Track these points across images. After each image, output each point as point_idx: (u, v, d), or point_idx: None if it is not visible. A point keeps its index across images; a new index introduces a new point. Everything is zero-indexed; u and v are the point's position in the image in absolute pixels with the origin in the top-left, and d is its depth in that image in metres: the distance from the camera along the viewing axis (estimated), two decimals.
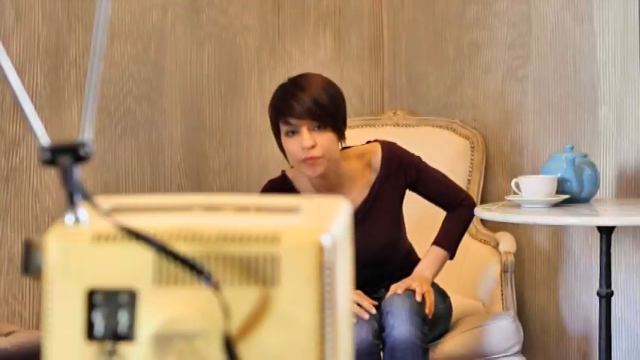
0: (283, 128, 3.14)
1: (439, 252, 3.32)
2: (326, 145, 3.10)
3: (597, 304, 3.68)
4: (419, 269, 3.28)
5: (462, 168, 4.19)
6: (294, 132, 3.11)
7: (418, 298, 3.15)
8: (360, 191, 3.28)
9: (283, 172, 3.33)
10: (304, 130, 3.08)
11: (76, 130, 3.81)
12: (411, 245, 3.47)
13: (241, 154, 4.16)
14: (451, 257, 3.37)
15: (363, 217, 3.23)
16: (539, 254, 4.22)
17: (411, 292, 3.19)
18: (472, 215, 3.40)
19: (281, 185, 3.26)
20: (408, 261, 3.37)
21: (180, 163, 4.02)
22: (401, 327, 3.10)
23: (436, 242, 3.33)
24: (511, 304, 3.90)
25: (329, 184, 3.21)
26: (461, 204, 3.37)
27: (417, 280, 3.22)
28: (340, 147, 3.20)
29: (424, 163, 3.36)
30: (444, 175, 3.40)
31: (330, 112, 3.10)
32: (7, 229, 3.60)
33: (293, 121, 3.10)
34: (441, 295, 3.40)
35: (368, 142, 3.40)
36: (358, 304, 3.13)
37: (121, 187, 3.84)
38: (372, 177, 3.29)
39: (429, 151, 4.26)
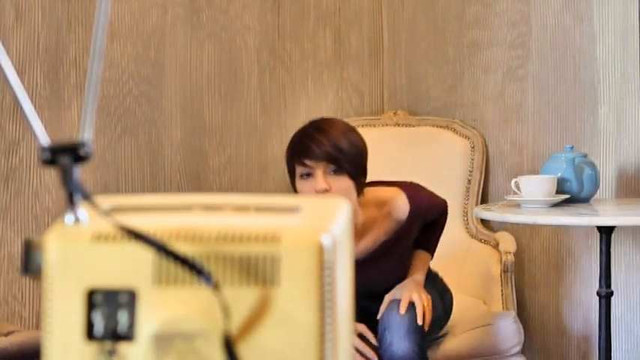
0: (298, 170, 3.01)
1: (425, 256, 3.31)
2: (341, 190, 2.96)
3: (597, 304, 3.68)
4: (411, 275, 3.26)
5: (462, 168, 4.18)
6: (309, 174, 2.98)
7: (419, 312, 3.12)
8: (375, 237, 3.18)
9: None
10: (319, 174, 2.96)
11: (75, 130, 3.81)
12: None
13: (241, 154, 4.16)
14: (431, 257, 3.39)
15: (375, 259, 3.18)
16: (539, 254, 4.22)
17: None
18: (447, 216, 3.39)
19: None
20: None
21: (180, 163, 4.01)
22: (399, 343, 3.09)
23: (422, 246, 3.31)
24: (511, 304, 3.90)
25: None
26: (442, 214, 3.36)
27: (414, 290, 3.18)
28: (357, 196, 3.05)
29: (425, 191, 3.29)
30: (432, 196, 3.32)
31: (348, 158, 2.98)
32: (7, 228, 3.60)
33: (309, 162, 2.97)
34: (440, 293, 3.38)
35: (384, 182, 3.29)
36: (358, 351, 3.10)
37: (120, 187, 3.84)
38: (391, 225, 3.18)
39: (429, 151, 4.26)
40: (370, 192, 3.14)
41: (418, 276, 3.25)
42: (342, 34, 4.44)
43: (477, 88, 4.30)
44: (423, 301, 3.15)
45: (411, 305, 3.14)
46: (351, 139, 3.03)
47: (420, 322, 3.10)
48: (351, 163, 2.99)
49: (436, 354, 3.50)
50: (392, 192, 3.18)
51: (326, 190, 2.94)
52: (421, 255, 3.31)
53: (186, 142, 4.03)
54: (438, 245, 3.40)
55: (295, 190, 3.06)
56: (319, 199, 1.21)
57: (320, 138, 2.98)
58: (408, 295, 3.16)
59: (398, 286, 3.20)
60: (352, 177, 2.99)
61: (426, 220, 3.27)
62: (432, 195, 3.29)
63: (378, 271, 3.19)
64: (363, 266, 3.10)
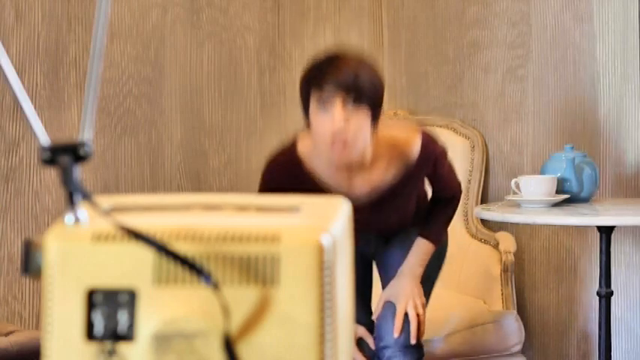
0: (314, 98, 2.76)
1: (427, 246, 3.08)
2: (358, 126, 2.74)
3: (597, 303, 3.68)
4: (409, 267, 3.07)
5: (462, 168, 4.18)
6: (325, 104, 2.73)
7: (413, 329, 3.00)
8: (382, 176, 2.95)
9: (293, 145, 2.94)
10: (338, 103, 2.72)
11: (75, 130, 3.81)
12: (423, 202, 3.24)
13: (241, 154, 4.16)
14: (436, 246, 3.16)
15: (380, 201, 2.99)
16: (539, 254, 4.22)
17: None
18: (457, 206, 3.19)
19: (290, 166, 2.91)
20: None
21: (180, 163, 4.01)
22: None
23: (424, 235, 3.09)
24: (511, 303, 3.90)
25: (350, 168, 2.90)
26: (452, 198, 3.15)
27: (409, 295, 3.04)
28: (372, 131, 2.83)
29: (447, 160, 3.10)
30: (452, 170, 3.14)
31: (368, 86, 2.76)
32: (7, 228, 3.60)
33: (328, 88, 2.72)
34: (438, 256, 3.22)
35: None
36: None
37: (120, 187, 3.84)
38: (400, 166, 2.96)
39: None
40: (386, 129, 2.94)
41: (417, 269, 3.07)
42: (342, 34, 4.44)
43: (477, 88, 4.30)
44: (417, 310, 3.02)
45: (406, 318, 3.01)
46: (371, 69, 2.82)
47: (413, 340, 2.98)
48: (372, 92, 2.77)
49: (437, 351, 3.50)
50: (408, 133, 2.98)
51: (343, 128, 2.72)
52: (423, 245, 3.09)
53: (186, 142, 4.03)
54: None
55: (308, 126, 2.81)
56: (319, 199, 1.21)
57: (339, 64, 2.77)
58: (403, 305, 3.02)
59: (393, 283, 3.06)
60: (371, 108, 2.77)
61: (430, 171, 3.03)
62: (451, 169, 3.12)
63: (378, 218, 3.02)
64: (363, 211, 2.90)
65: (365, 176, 2.93)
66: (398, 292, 3.04)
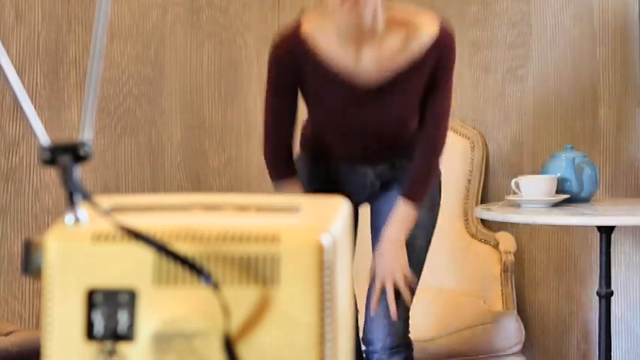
0: None
1: (408, 207, 2.86)
2: None
3: (597, 303, 3.68)
4: (392, 232, 2.86)
5: (462, 168, 4.18)
6: None
7: (391, 306, 2.82)
8: (392, 56, 2.80)
9: (297, 25, 2.82)
10: None
11: (75, 130, 3.81)
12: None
13: (241, 154, 4.16)
14: (418, 205, 2.91)
15: (383, 91, 2.83)
16: (539, 254, 4.22)
17: (397, 305, 2.86)
18: (442, 154, 2.93)
19: (294, 46, 2.79)
20: (410, 140, 2.97)
21: (180, 163, 4.01)
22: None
23: (404, 195, 2.87)
24: (511, 303, 3.90)
25: (359, 37, 2.74)
26: (437, 139, 2.90)
27: (395, 269, 2.84)
28: None
29: (453, 72, 2.90)
30: (451, 93, 2.91)
31: None
32: (7, 228, 3.60)
33: None
34: (430, 207, 3.02)
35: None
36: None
37: (120, 187, 3.84)
38: (413, 49, 2.79)
39: None
40: (403, 8, 2.83)
41: (400, 233, 2.86)
42: None
43: (477, 87, 4.30)
44: (397, 285, 2.83)
45: (398, 297, 2.83)
46: None
47: (393, 317, 2.83)
48: None
49: (437, 350, 3.50)
50: (427, 16, 2.84)
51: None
52: (405, 207, 2.86)
53: (186, 142, 4.03)
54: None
55: None
56: (319, 199, 1.21)
57: None
58: (380, 281, 2.84)
59: (375, 255, 2.88)
60: None
61: (430, 96, 2.85)
62: (451, 93, 2.90)
63: (377, 113, 2.86)
64: (364, 100, 2.82)
65: (374, 52, 2.79)
66: (377, 266, 2.87)
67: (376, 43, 2.77)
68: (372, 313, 2.86)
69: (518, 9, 4.22)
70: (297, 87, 2.86)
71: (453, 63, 2.86)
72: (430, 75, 2.82)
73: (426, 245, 2.98)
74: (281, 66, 2.82)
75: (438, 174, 2.99)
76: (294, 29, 2.80)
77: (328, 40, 2.78)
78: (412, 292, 2.88)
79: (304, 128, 3.04)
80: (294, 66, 2.80)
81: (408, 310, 2.90)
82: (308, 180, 2.96)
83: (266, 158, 2.95)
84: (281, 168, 2.92)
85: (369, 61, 2.79)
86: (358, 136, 2.91)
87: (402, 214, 2.88)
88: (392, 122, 2.89)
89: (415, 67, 2.80)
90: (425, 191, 2.92)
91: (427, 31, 2.79)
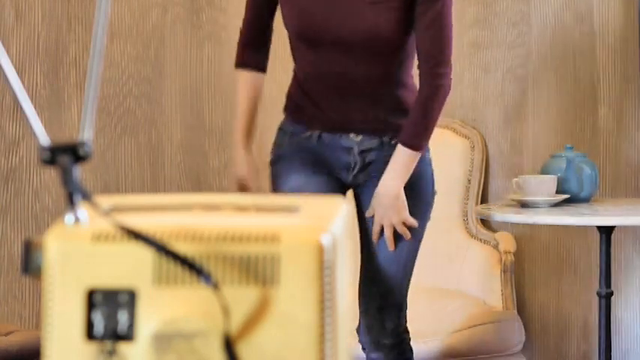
0: None
1: (408, 154, 2.66)
2: None
3: (597, 304, 3.68)
4: (388, 182, 2.68)
5: (462, 168, 4.18)
6: None
7: (407, 236, 2.69)
8: None
9: None
10: None
11: (75, 130, 3.80)
12: (408, 82, 2.79)
13: None
14: (418, 152, 2.71)
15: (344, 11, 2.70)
16: (539, 254, 4.21)
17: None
18: (444, 101, 2.70)
19: None
20: (396, 101, 2.74)
21: (180, 163, 4.01)
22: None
23: (404, 142, 2.66)
24: (511, 304, 3.90)
25: None
26: (437, 79, 2.67)
27: (383, 206, 2.68)
28: None
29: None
30: (450, 29, 2.69)
31: None
32: (7, 228, 3.60)
33: None
34: (420, 187, 2.82)
35: None
36: None
37: (120, 187, 3.84)
38: None
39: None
40: None
41: (397, 181, 2.69)
42: None
43: (477, 87, 4.30)
44: (394, 226, 2.68)
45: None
46: None
47: (391, 248, 2.70)
48: None
49: (437, 352, 3.50)
50: None
51: None
52: (403, 154, 2.68)
53: (187, 142, 4.02)
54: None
55: None
56: (319, 199, 1.21)
57: None
58: (377, 222, 2.69)
59: (376, 203, 2.71)
60: None
61: (421, 29, 2.65)
62: (450, 22, 2.69)
63: (342, 23, 2.68)
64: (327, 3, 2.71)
65: None
66: (375, 214, 2.70)
67: None
68: (390, 247, 2.70)
69: (518, 9, 4.22)
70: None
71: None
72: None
73: (414, 252, 2.80)
74: None
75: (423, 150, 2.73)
76: None
77: None
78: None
79: (290, 87, 2.91)
80: None
81: (403, 304, 2.81)
82: (291, 151, 2.81)
83: (238, 44, 2.93)
84: (249, 53, 2.89)
85: None
86: (337, 64, 2.70)
87: (400, 160, 2.67)
88: (360, 39, 2.65)
89: None
90: (426, 136, 2.69)
91: None
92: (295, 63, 2.88)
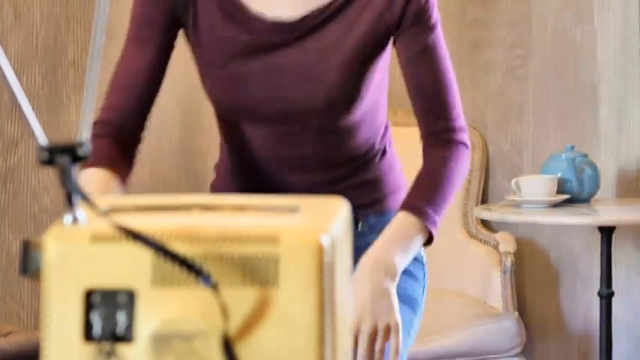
0: None
1: (407, 221, 1.78)
2: None
3: (598, 304, 3.68)
4: (376, 247, 1.77)
5: None
6: None
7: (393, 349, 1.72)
8: None
9: None
10: None
11: (74, 130, 3.80)
12: (383, 134, 2.02)
13: None
14: (428, 240, 1.82)
15: (301, 36, 1.86)
16: (540, 254, 4.21)
17: None
18: (462, 162, 1.95)
19: None
20: (361, 161, 1.93)
21: (179, 164, 4.01)
22: None
23: (409, 207, 1.82)
24: (511, 304, 3.90)
25: None
26: (452, 136, 1.97)
27: (365, 310, 1.69)
28: None
29: (439, 31, 1.98)
30: (451, 73, 2.01)
31: None
32: (6, 229, 3.59)
33: None
34: (412, 299, 2.01)
35: None
36: None
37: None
38: None
39: None
40: None
41: (384, 262, 1.74)
42: None
43: (477, 87, 4.30)
44: (376, 345, 1.70)
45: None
46: None
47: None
48: None
49: (437, 353, 3.49)
50: None
51: None
52: (403, 223, 1.80)
53: (186, 142, 4.02)
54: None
55: None
56: (319, 200, 1.20)
57: None
58: (353, 335, 1.68)
59: (354, 280, 1.71)
60: None
61: (402, 22, 1.90)
62: (446, 55, 1.98)
63: (290, 81, 1.85)
64: (277, 52, 1.85)
65: None
66: (353, 306, 1.69)
67: None
68: None
69: (518, 8, 4.22)
70: (172, 32, 1.97)
71: (432, 9, 2.00)
72: (391, 30, 1.89)
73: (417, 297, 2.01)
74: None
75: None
76: None
77: None
78: None
79: (218, 164, 2.16)
80: None
81: None
82: None
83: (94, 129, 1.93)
84: (99, 150, 1.85)
85: None
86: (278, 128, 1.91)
87: (395, 226, 1.80)
88: (317, 98, 1.86)
89: (354, 5, 1.86)
90: (435, 202, 1.83)
91: None
92: (226, 143, 2.06)
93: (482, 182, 4.21)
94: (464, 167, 1.94)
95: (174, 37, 1.98)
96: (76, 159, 1.09)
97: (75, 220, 1.08)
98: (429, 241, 1.85)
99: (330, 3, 1.86)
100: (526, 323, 4.06)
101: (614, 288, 3.67)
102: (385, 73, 2.02)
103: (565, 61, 4.13)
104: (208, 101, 1.99)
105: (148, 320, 1.03)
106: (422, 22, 1.93)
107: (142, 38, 2.01)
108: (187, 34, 1.96)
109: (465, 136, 2.02)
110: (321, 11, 1.85)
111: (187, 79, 4.13)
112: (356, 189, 1.93)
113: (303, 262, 1.01)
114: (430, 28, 1.95)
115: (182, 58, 4.03)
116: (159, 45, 1.99)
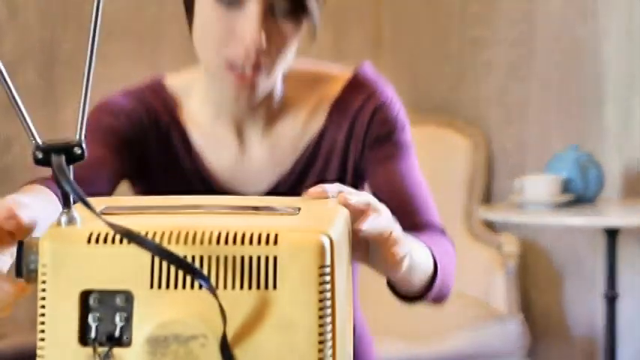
0: None
1: (428, 255, 1.48)
2: (281, 44, 1.60)
3: (603, 306, 3.67)
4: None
5: (464, 168, 4.17)
6: (233, 2, 1.56)
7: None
8: (296, 142, 1.71)
9: (158, 78, 1.82)
10: (255, 12, 1.55)
11: (70, 129, 3.79)
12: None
13: None
14: (424, 292, 1.50)
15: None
16: (544, 255, 4.20)
17: None
18: (453, 261, 1.61)
19: (153, 98, 1.76)
20: None
21: None
22: None
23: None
24: (515, 306, 3.89)
25: (243, 117, 1.70)
26: (440, 230, 1.66)
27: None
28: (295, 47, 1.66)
29: (407, 134, 1.72)
30: (418, 170, 1.71)
31: None
32: None
33: None
34: None
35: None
36: None
37: (118, 188, 3.83)
38: (320, 120, 1.70)
39: (431, 151, 4.24)
40: (309, 63, 1.80)
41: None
42: (342, 32, 4.42)
43: (480, 86, 4.28)
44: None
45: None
46: None
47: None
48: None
49: (440, 354, 3.48)
50: (342, 68, 1.77)
51: (258, 51, 1.56)
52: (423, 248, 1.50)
53: None
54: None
55: (190, 21, 1.63)
56: (319, 200, 1.19)
57: None
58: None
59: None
60: (308, 18, 1.64)
61: (368, 139, 1.68)
62: (416, 167, 1.70)
63: None
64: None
65: (269, 138, 1.71)
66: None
67: (271, 126, 1.71)
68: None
69: (521, 6, 4.20)
70: (120, 171, 1.71)
71: (400, 121, 1.71)
72: (362, 147, 1.69)
73: None
74: (114, 124, 1.74)
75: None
76: (152, 80, 1.81)
77: (202, 107, 1.72)
78: None
79: None
80: (138, 130, 1.71)
81: None
82: None
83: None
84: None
85: (260, 154, 1.71)
86: None
87: (422, 248, 1.49)
88: None
89: (323, 144, 1.71)
90: (448, 281, 1.56)
91: (338, 82, 1.74)
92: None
93: (485, 183, 4.20)
94: (452, 262, 1.62)
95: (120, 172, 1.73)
96: (72, 159, 1.08)
97: (71, 221, 1.07)
98: (414, 297, 1.52)
99: (292, 169, 1.70)
100: (531, 325, 4.05)
101: (618, 290, 3.65)
102: None
103: (569, 58, 4.12)
104: None
105: (145, 323, 1.02)
106: (391, 127, 1.71)
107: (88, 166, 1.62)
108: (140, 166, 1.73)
109: (447, 236, 1.68)
110: (284, 181, 1.71)
111: None
112: None
113: (302, 264, 1.01)
114: (402, 135, 1.71)
115: (179, 56, 4.02)
116: (103, 174, 1.70)
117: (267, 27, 1.57)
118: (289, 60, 1.66)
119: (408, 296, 1.50)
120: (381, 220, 1.21)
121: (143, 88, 1.79)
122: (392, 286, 1.48)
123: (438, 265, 1.48)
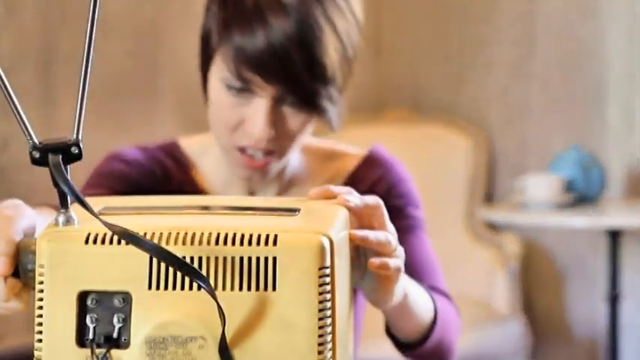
0: (221, 76, 1.59)
1: (428, 300, 1.49)
2: (292, 132, 1.57)
3: (605, 307, 3.66)
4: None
5: (465, 167, 4.16)
6: (244, 90, 1.55)
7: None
8: None
9: (173, 141, 1.78)
10: (263, 106, 1.54)
11: (68, 129, 3.77)
12: None
13: None
14: (422, 341, 1.50)
15: None
16: (545, 256, 4.20)
17: None
18: (456, 326, 1.60)
19: (167, 156, 1.72)
20: None
21: None
22: None
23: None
24: (517, 307, 3.88)
25: (264, 184, 1.69)
26: (446, 296, 1.64)
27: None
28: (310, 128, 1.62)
29: (421, 215, 1.72)
30: (430, 248, 1.72)
31: (326, 76, 1.54)
32: None
33: (249, 75, 1.53)
34: None
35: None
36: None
37: None
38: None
39: (432, 151, 4.23)
40: (321, 143, 1.76)
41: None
42: None
43: (481, 85, 4.28)
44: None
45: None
46: (340, 34, 1.66)
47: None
48: (328, 84, 1.55)
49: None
50: (354, 147, 1.75)
51: (266, 139, 1.54)
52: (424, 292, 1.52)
53: None
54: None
55: (205, 91, 1.67)
56: (319, 201, 1.19)
57: (279, 23, 1.51)
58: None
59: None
60: (320, 112, 1.56)
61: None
62: (428, 245, 1.72)
63: None
64: None
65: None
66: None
67: (284, 191, 1.70)
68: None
69: (522, 6, 4.20)
70: None
71: (414, 198, 1.70)
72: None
73: None
74: (125, 171, 1.73)
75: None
76: (167, 142, 1.76)
77: (214, 169, 1.70)
78: None
79: None
80: (150, 181, 1.70)
81: None
82: None
83: None
84: None
85: None
86: None
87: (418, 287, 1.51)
88: None
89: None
90: (450, 335, 1.56)
91: (351, 159, 1.71)
92: None
93: (487, 183, 4.20)
94: (456, 326, 1.63)
95: None
96: (69, 158, 1.08)
97: (68, 221, 1.06)
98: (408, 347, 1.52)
99: None
100: (532, 326, 4.05)
101: (621, 290, 3.65)
102: None
103: (571, 58, 4.11)
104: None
105: (143, 323, 1.02)
106: (403, 201, 1.69)
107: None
108: None
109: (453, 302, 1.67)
110: None
111: (185, 76, 4.13)
112: None
113: (302, 265, 1.00)
114: (412, 211, 1.69)
115: (179, 55, 4.02)
116: None
117: (278, 117, 1.56)
118: (304, 139, 1.63)
119: (406, 344, 1.49)
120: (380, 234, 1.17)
121: (157, 146, 1.75)
122: (392, 336, 1.50)
123: (438, 315, 1.48)
